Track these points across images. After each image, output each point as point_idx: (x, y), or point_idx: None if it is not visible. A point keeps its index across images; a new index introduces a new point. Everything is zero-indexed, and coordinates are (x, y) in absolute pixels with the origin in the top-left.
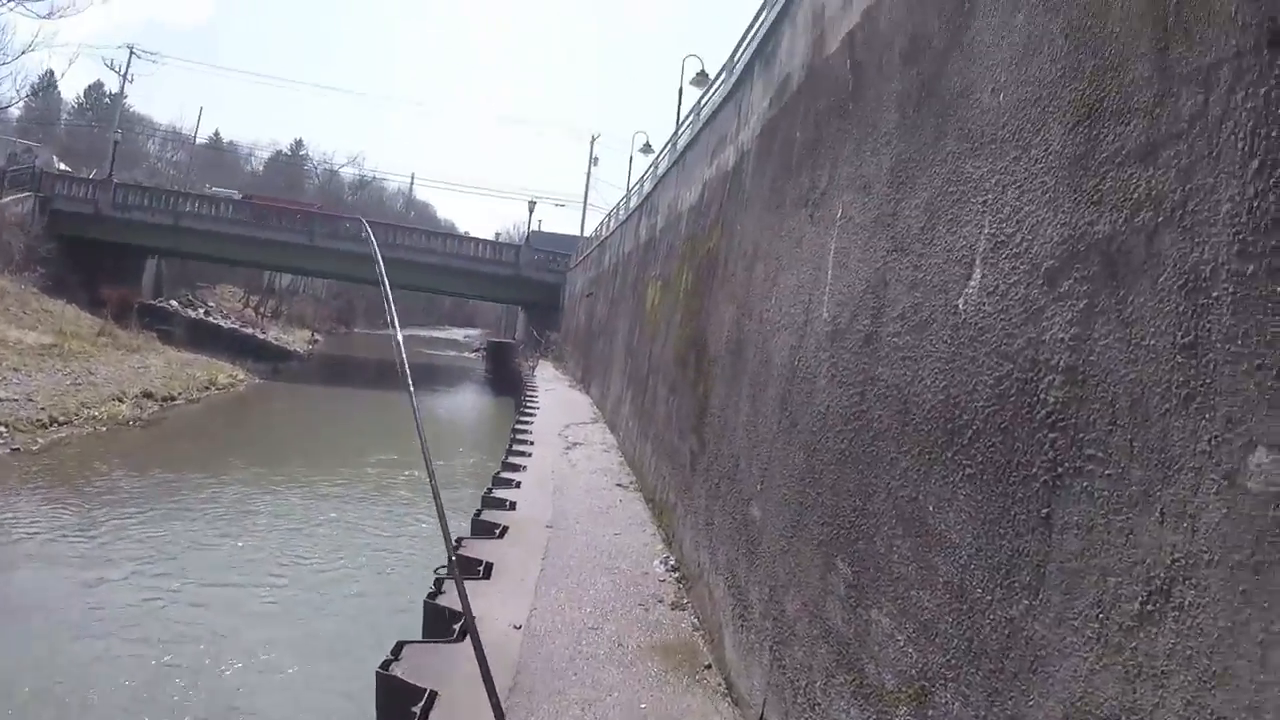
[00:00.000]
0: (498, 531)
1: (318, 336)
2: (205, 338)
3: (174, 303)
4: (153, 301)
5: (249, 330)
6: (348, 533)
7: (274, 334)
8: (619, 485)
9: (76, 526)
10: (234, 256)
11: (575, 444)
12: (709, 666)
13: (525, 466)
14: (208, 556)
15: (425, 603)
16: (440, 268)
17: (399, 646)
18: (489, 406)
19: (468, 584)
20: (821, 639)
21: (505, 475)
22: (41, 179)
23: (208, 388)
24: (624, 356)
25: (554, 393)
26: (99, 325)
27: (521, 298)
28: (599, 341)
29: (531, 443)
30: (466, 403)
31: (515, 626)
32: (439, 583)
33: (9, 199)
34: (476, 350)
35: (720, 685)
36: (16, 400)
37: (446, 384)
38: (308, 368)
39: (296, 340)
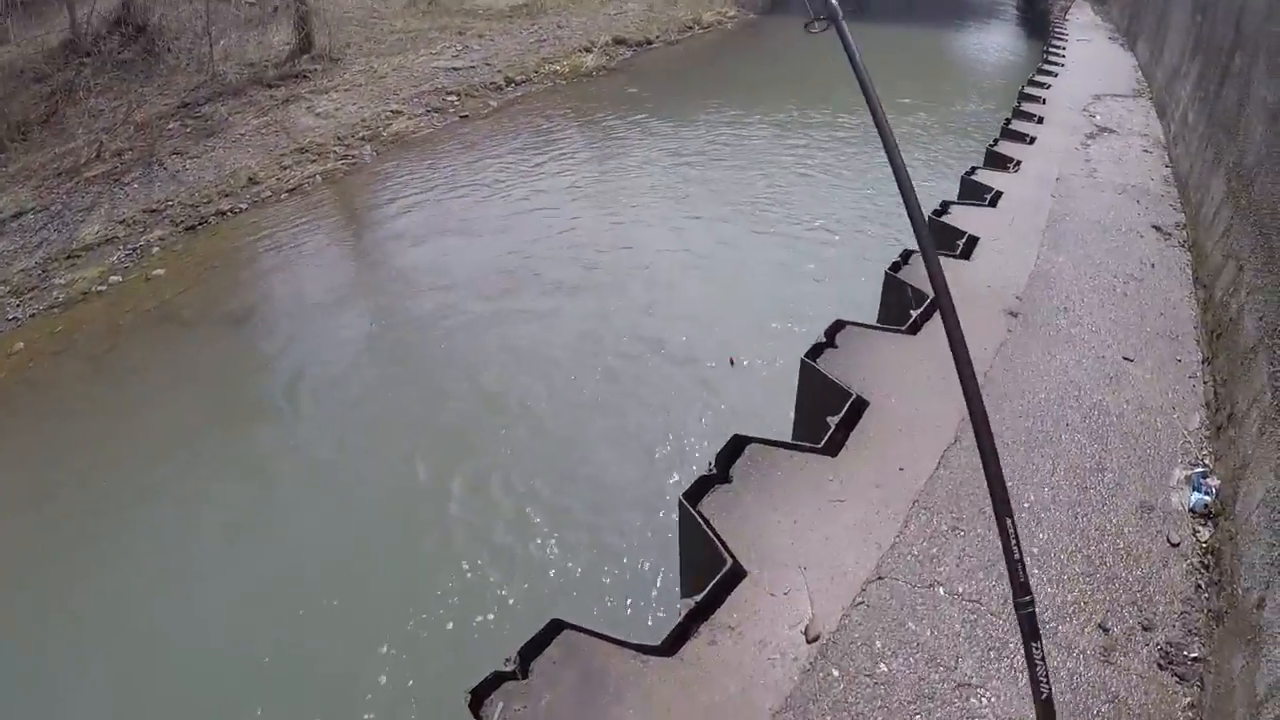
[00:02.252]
0: (911, 319)
1: None
2: None
3: None
4: None
5: None
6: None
7: None
8: (1156, 229)
9: (493, 179)
10: None
11: (1102, 130)
12: None
13: (1017, 163)
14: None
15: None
16: None
17: (836, 327)
18: (1016, 50)
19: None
20: None
21: (979, 178)
22: None
23: (690, 28)
24: (1189, 8)
25: (1088, 46)
26: None
27: None
28: None
29: (1039, 120)
30: (991, 43)
31: (809, 638)
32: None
33: None
34: None
35: None
36: (473, 67)
37: (975, 20)
38: None
39: None
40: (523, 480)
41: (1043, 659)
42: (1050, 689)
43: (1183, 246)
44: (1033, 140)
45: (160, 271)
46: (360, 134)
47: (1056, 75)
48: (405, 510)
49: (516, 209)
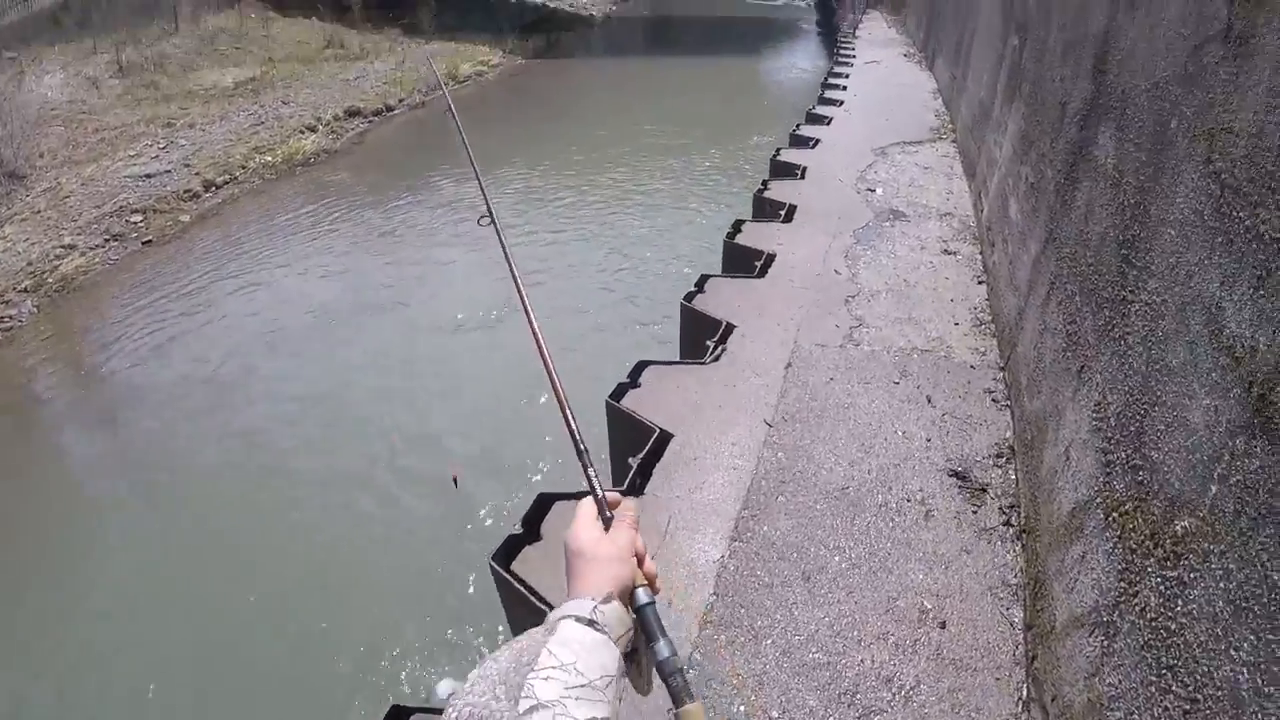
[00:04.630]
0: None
1: None
2: (474, 17)
3: None
4: None
5: None
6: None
7: None
8: (956, 479)
9: (164, 334)
10: None
11: (884, 217)
12: None
13: (722, 338)
14: None
15: None
16: None
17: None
18: (812, 70)
19: None
20: None
21: (633, 390)
22: None
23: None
24: (1000, 15)
25: (877, 68)
26: (328, 36)
27: None
28: None
29: (787, 216)
30: (780, 65)
31: None
32: None
33: None
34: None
35: None
36: (168, 172)
37: (775, 43)
38: (601, 35)
39: (598, 1)
40: None
41: None
42: None
43: (1009, 542)
44: (767, 265)
45: None
46: (23, 283)
47: (830, 122)
48: None
49: (173, 390)
